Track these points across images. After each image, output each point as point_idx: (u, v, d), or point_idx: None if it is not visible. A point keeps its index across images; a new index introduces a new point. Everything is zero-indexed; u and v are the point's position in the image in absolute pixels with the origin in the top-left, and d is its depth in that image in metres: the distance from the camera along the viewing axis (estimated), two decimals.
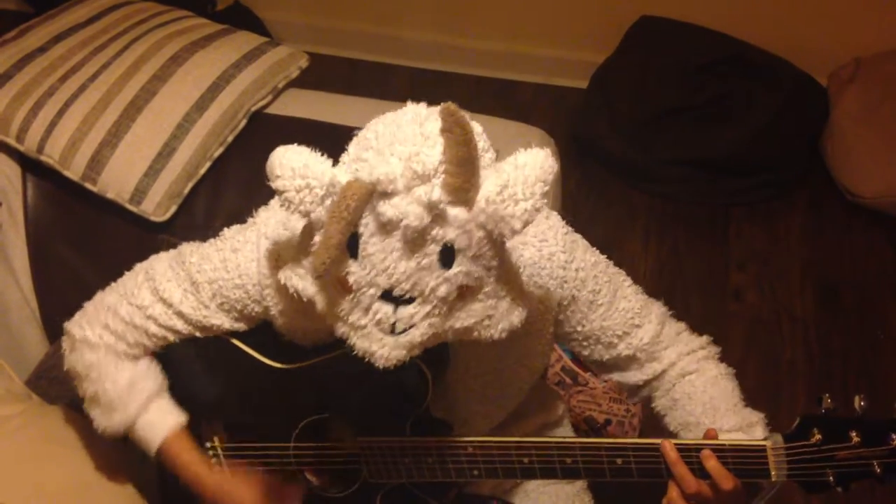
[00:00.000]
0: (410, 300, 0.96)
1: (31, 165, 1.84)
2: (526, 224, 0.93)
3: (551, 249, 1.21)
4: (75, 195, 1.82)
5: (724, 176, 2.84)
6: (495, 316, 1.02)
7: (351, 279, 0.96)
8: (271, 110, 1.94)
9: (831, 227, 2.79)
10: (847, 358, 2.45)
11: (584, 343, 1.29)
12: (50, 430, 1.48)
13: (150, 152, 1.78)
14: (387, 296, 0.96)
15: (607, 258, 1.29)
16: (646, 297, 1.31)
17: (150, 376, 1.28)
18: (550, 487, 1.46)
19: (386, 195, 0.92)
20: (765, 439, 1.13)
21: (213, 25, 2.04)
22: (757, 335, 2.52)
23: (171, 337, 1.26)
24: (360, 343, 1.00)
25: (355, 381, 1.20)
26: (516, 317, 1.04)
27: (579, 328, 1.27)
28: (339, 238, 0.93)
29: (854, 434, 1.08)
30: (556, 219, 1.25)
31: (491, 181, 0.93)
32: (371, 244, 0.94)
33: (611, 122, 2.89)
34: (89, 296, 1.32)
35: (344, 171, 0.96)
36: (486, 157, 0.97)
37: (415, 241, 0.93)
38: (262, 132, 1.90)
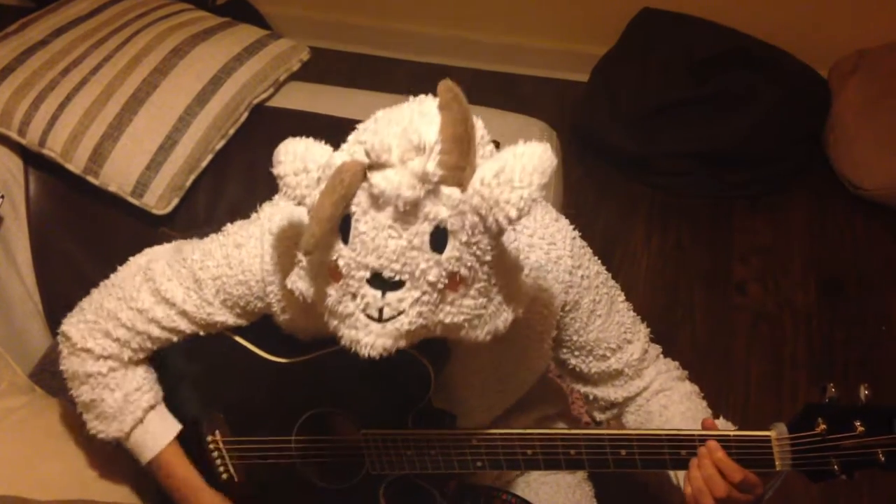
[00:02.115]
0: (399, 285, 0.94)
1: (33, 159, 1.84)
2: (520, 213, 0.91)
3: (559, 253, 1.20)
4: (77, 188, 1.82)
5: (726, 168, 2.84)
6: (483, 317, 0.99)
7: (341, 263, 0.94)
8: (273, 103, 1.94)
9: (833, 220, 2.79)
10: (850, 350, 2.45)
11: (577, 353, 1.29)
12: (53, 422, 1.49)
13: (152, 145, 1.78)
14: (376, 280, 0.94)
15: (610, 252, 1.30)
16: (635, 315, 1.32)
17: (146, 387, 1.29)
18: (551, 477, 1.46)
19: (380, 167, 0.91)
20: (769, 429, 1.13)
21: (215, 18, 2.04)
22: (760, 328, 2.51)
23: (175, 338, 1.25)
24: (346, 332, 0.97)
25: (357, 375, 1.20)
26: (502, 322, 1.01)
27: (575, 337, 1.26)
28: (331, 211, 0.91)
29: (858, 423, 1.07)
30: (565, 223, 1.24)
31: (488, 166, 0.92)
32: (363, 222, 0.92)
33: (612, 115, 2.88)
34: (91, 290, 1.33)
35: (341, 155, 0.95)
36: (484, 149, 0.96)
37: (407, 217, 0.91)
38: (264, 125, 1.90)
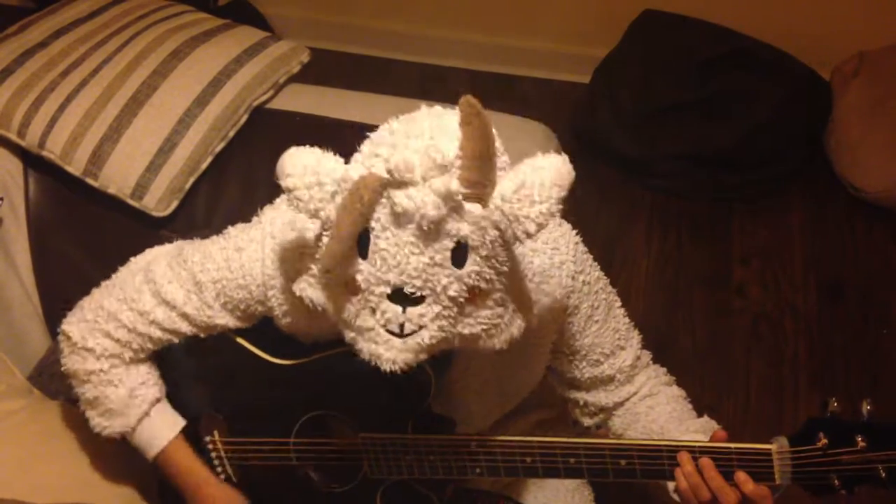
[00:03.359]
0: (420, 300, 0.94)
1: (32, 160, 1.84)
2: (540, 227, 0.92)
3: (562, 258, 1.20)
4: (77, 190, 1.82)
5: (726, 171, 2.83)
6: (500, 325, 1.00)
7: (360, 278, 0.94)
8: (273, 105, 1.94)
9: (834, 223, 2.79)
10: (850, 354, 2.44)
11: (571, 357, 1.29)
12: (51, 425, 1.49)
13: (152, 147, 1.78)
14: (396, 295, 0.94)
15: (610, 254, 1.30)
16: (629, 322, 1.32)
17: (150, 383, 1.29)
18: (550, 481, 1.46)
19: (402, 185, 0.90)
20: (770, 442, 1.12)
21: (215, 20, 2.03)
22: (760, 330, 2.51)
23: (176, 339, 1.26)
24: (366, 347, 0.97)
25: (357, 378, 1.20)
26: (516, 328, 1.02)
27: (571, 341, 1.27)
28: (351, 230, 0.91)
29: (860, 439, 1.06)
30: (567, 228, 1.24)
31: (507, 181, 0.92)
32: (383, 239, 0.92)
33: (613, 116, 2.87)
34: (90, 292, 1.32)
35: (357, 168, 0.94)
36: (501, 158, 0.96)
37: (429, 235, 0.91)
38: (264, 127, 1.90)
